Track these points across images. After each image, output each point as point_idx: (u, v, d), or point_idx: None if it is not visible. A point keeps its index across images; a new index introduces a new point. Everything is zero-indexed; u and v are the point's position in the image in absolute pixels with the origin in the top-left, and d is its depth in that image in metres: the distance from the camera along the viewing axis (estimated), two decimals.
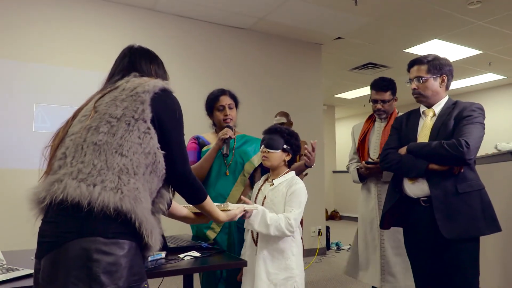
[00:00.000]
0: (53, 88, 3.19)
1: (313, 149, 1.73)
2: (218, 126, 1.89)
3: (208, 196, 1.23)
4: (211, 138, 1.88)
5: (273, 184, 1.59)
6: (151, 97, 1.05)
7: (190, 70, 3.86)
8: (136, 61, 1.17)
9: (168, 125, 1.07)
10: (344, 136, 9.01)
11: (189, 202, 1.21)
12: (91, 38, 3.42)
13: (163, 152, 1.05)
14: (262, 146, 1.63)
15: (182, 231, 2.82)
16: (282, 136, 1.62)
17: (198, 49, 3.91)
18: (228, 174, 1.74)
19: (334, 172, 8.10)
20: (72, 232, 0.93)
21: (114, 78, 1.16)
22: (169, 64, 1.27)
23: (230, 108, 1.82)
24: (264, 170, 1.81)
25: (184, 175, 1.11)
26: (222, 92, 1.86)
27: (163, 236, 1.09)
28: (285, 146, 1.59)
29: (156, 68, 1.18)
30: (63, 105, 3.17)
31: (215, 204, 1.30)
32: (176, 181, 1.12)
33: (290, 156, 1.63)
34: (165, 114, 1.07)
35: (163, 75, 1.20)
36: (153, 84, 1.08)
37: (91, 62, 3.36)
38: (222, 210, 1.33)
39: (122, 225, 0.95)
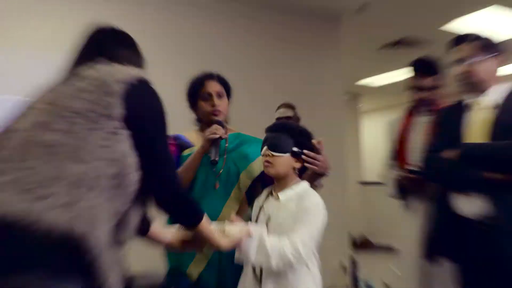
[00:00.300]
0: (1, 73, 3.15)
1: (318, 151, 1.68)
2: (204, 122, 1.85)
3: (205, 216, 1.23)
4: (194, 138, 1.85)
5: (279, 200, 1.58)
6: (125, 90, 1.06)
7: (170, 53, 3.74)
8: (105, 44, 1.19)
9: (148, 128, 1.08)
10: (373, 135, 8.78)
11: (181, 225, 1.21)
12: (51, 12, 3.37)
13: (137, 160, 1.05)
14: (265, 147, 1.61)
15: (154, 265, 2.63)
16: (292, 135, 1.60)
17: (178, 25, 3.83)
18: (217, 187, 1.72)
19: (362, 183, 7.88)
20: (2, 263, 0.91)
21: (77, 65, 1.17)
22: (144, 47, 1.26)
23: (219, 96, 1.80)
24: (266, 183, 1.76)
25: (172, 191, 1.13)
26: (209, 76, 1.85)
27: (126, 276, 1.06)
28: (294, 149, 1.59)
29: (130, 53, 1.20)
30: (12, 95, 3.01)
31: None
32: (162, 199, 1.13)
33: (301, 163, 1.61)
34: (144, 113, 1.08)
35: (139, 62, 1.21)
36: (127, 73, 1.09)
37: (51, 42, 3.25)
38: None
39: (70, 257, 0.93)
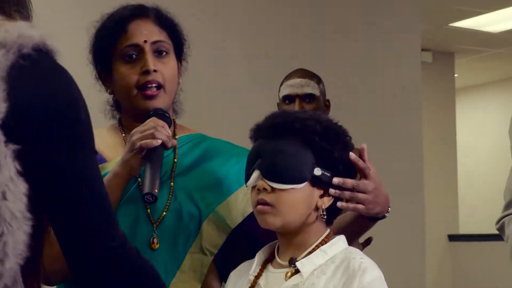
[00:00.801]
0: None
1: (365, 173, 1.57)
2: (127, 110, 1.75)
3: None
4: (108, 145, 1.76)
5: (297, 272, 1.49)
6: (10, 65, 1.05)
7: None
8: None
9: (56, 142, 1.07)
10: (479, 138, 8.64)
11: None
12: None
13: (28, 203, 1.05)
14: (255, 174, 1.52)
15: None
16: (311, 142, 1.51)
17: None
18: (156, 247, 1.67)
19: (454, 238, 7.37)
20: None
21: None
22: None
23: (158, 53, 1.69)
24: (258, 237, 1.70)
25: (110, 258, 1.13)
26: (138, 11, 1.72)
27: None
28: (317, 172, 1.50)
29: None
30: None
31: None
32: (90, 276, 1.14)
33: (332, 199, 1.51)
34: (47, 112, 1.08)
35: (27, 11, 1.21)
36: (16, 33, 1.08)
37: None
38: None
39: None
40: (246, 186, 1.61)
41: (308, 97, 2.72)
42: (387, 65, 4.56)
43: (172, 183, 1.72)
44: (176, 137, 1.75)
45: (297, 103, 2.61)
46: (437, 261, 7.67)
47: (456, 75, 8.02)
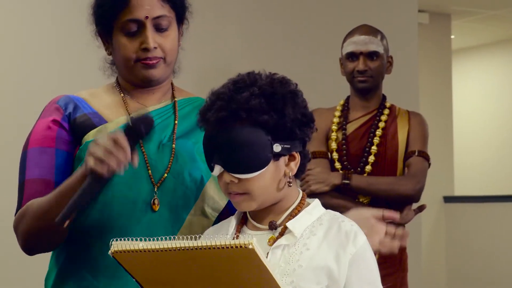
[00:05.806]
0: None
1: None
2: (125, 76, 1.70)
3: None
4: (107, 105, 1.71)
5: (291, 233, 1.48)
6: None
7: None
8: None
9: None
10: (478, 97, 8.43)
11: None
12: None
13: None
14: (217, 168, 1.52)
15: None
16: (260, 122, 1.45)
17: None
18: (157, 208, 1.64)
19: (449, 200, 7.30)
20: None
21: None
22: None
23: (158, 29, 1.66)
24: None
25: None
26: None
27: None
28: (277, 148, 1.46)
29: None
30: None
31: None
32: None
33: (298, 160, 1.49)
34: None
35: None
36: None
37: None
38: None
39: None
40: (213, 175, 1.60)
41: (372, 55, 2.72)
42: (383, 26, 4.42)
43: (173, 145, 1.71)
44: (176, 99, 1.76)
45: (361, 61, 2.59)
46: (432, 222, 7.60)
47: (452, 37, 7.90)
